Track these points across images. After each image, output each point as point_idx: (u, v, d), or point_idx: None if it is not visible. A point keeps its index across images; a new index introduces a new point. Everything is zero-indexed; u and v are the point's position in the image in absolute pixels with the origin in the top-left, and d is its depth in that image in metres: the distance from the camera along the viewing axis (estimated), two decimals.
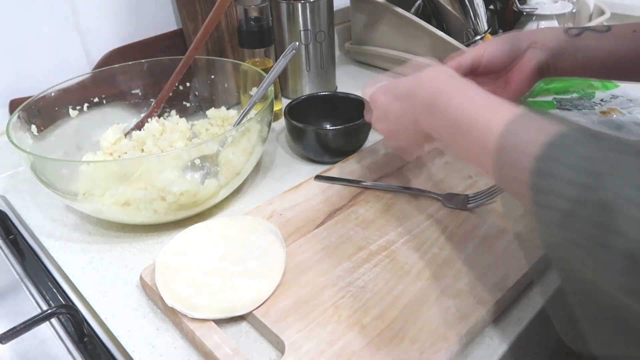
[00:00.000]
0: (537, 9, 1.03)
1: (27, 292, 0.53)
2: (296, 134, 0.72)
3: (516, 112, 0.38)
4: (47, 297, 0.52)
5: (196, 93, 0.80)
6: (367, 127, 0.72)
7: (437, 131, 0.46)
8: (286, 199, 0.61)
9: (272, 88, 0.67)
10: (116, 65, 0.75)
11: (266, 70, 0.72)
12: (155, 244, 0.59)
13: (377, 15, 0.99)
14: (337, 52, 1.11)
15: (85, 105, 0.72)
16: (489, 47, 0.59)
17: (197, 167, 0.59)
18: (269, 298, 0.47)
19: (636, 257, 0.27)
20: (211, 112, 0.75)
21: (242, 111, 0.65)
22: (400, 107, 0.51)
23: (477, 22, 0.94)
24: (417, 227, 0.56)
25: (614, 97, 0.85)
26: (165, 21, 0.87)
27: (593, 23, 1.06)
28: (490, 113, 0.40)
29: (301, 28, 0.86)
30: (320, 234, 0.56)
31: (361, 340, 0.43)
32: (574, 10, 1.10)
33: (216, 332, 0.44)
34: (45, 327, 0.48)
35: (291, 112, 0.72)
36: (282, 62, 0.66)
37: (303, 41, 0.87)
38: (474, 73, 0.60)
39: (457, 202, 0.59)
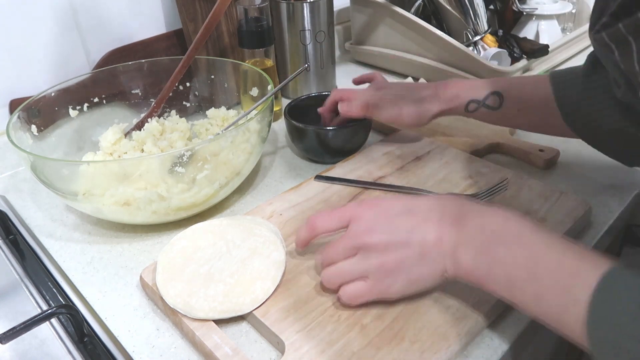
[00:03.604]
0: (537, 9, 1.03)
1: (27, 292, 0.53)
2: (296, 134, 0.72)
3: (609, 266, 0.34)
4: (47, 297, 0.51)
5: (196, 93, 0.80)
6: (367, 127, 0.72)
7: (482, 277, 0.40)
8: (286, 199, 0.61)
9: (272, 87, 0.67)
10: (116, 65, 0.75)
11: (266, 70, 0.72)
12: (155, 244, 0.59)
13: (377, 15, 0.99)
14: (337, 52, 1.11)
15: (85, 105, 0.72)
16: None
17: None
18: (269, 298, 0.47)
19: None
20: (211, 112, 0.75)
21: (239, 115, 0.64)
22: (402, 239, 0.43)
23: (477, 22, 0.94)
24: None
25: None
26: (165, 21, 0.87)
27: None
28: (577, 268, 0.35)
29: (301, 28, 0.86)
30: None
31: (361, 340, 0.43)
32: (573, 11, 1.10)
33: (216, 332, 0.44)
34: (45, 327, 0.48)
35: (291, 112, 0.72)
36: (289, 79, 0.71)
37: (303, 41, 0.87)
38: None
39: None
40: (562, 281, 0.35)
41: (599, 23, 0.34)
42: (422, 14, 0.98)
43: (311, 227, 0.48)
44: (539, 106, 0.59)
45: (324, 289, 0.48)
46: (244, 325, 0.47)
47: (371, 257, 0.44)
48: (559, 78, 0.58)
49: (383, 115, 0.66)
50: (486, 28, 0.95)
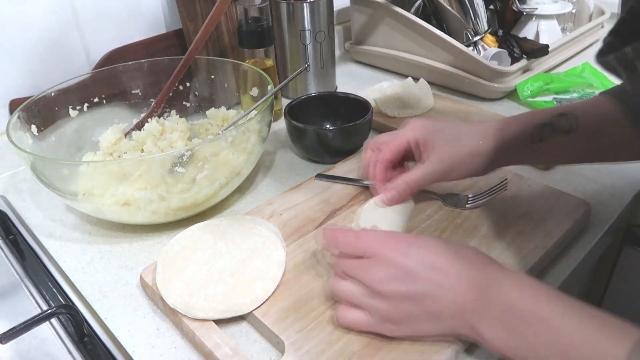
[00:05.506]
0: (537, 9, 1.03)
1: (27, 292, 0.53)
2: (296, 134, 0.72)
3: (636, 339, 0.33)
4: (47, 297, 0.51)
5: (196, 93, 0.80)
6: (367, 127, 0.72)
7: (508, 355, 0.38)
8: (286, 199, 0.61)
9: (272, 87, 0.67)
10: (116, 65, 0.75)
11: (266, 70, 0.72)
12: (155, 244, 0.59)
13: (377, 15, 0.99)
14: (337, 52, 1.11)
15: (85, 105, 0.72)
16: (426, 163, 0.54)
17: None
18: (269, 298, 0.47)
19: None
20: (211, 112, 0.75)
21: (238, 117, 0.65)
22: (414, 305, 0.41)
23: (477, 22, 0.94)
24: (417, 227, 0.56)
25: None
26: (165, 21, 0.87)
27: (593, 23, 1.06)
28: (604, 341, 0.34)
29: (301, 28, 0.86)
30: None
31: (361, 340, 0.43)
32: (573, 11, 1.10)
33: (216, 332, 0.44)
34: (45, 327, 0.48)
35: (291, 112, 0.72)
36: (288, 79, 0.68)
37: (303, 41, 0.87)
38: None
39: (457, 202, 0.59)
40: (590, 357, 0.34)
41: (605, 42, 0.33)
42: (422, 14, 0.98)
43: (333, 241, 0.45)
44: (613, 124, 0.51)
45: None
46: (244, 325, 0.47)
47: (380, 301, 0.42)
48: (618, 93, 0.52)
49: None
50: (486, 28, 0.95)
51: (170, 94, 0.74)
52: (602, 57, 0.32)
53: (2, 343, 0.42)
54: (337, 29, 1.11)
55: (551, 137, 0.51)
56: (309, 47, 0.87)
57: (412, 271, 0.41)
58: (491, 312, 0.39)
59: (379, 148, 0.59)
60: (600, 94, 0.54)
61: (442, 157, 0.53)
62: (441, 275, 0.41)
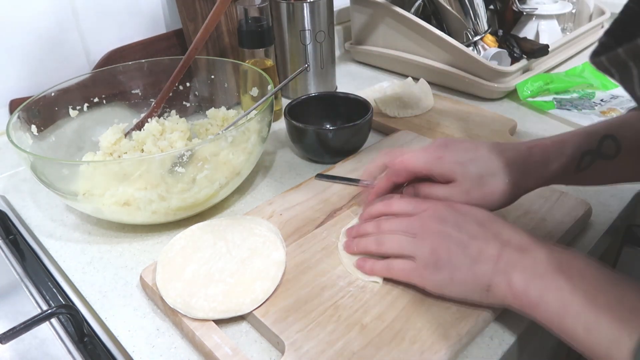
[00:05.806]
0: (537, 9, 1.03)
1: (27, 292, 0.53)
2: (296, 134, 0.72)
3: None
4: (47, 297, 0.51)
5: (196, 93, 0.80)
6: (367, 127, 0.72)
7: (532, 301, 0.40)
8: (286, 199, 0.61)
9: (272, 87, 0.67)
10: (116, 65, 0.75)
11: (266, 70, 0.72)
12: (155, 244, 0.59)
13: (377, 15, 0.99)
14: (337, 52, 1.11)
15: (85, 105, 0.72)
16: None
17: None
18: (269, 298, 0.47)
19: None
20: (211, 112, 0.75)
21: (237, 117, 0.65)
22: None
23: (477, 22, 0.94)
24: None
25: (614, 97, 0.85)
26: (165, 21, 0.87)
27: (593, 23, 1.06)
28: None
29: (301, 28, 0.86)
30: (320, 234, 0.56)
31: (361, 340, 0.43)
32: (573, 11, 1.10)
33: (216, 332, 0.44)
34: (45, 327, 0.48)
35: (291, 112, 0.72)
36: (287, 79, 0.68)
37: (303, 41, 0.87)
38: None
39: None
40: (620, 314, 0.35)
41: (599, 43, 0.33)
42: (422, 14, 0.98)
43: (387, 206, 0.51)
44: None
45: (356, 249, 0.51)
46: (244, 325, 0.47)
47: (427, 240, 0.46)
48: None
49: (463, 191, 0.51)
50: (486, 28, 0.95)
51: (170, 94, 0.74)
52: (596, 57, 0.33)
53: (2, 343, 0.42)
54: (337, 29, 1.11)
55: (595, 163, 0.49)
56: (309, 47, 0.87)
57: (458, 220, 0.46)
58: (530, 262, 0.41)
59: (394, 164, 0.53)
60: (631, 110, 0.52)
61: (462, 192, 0.49)
62: (484, 228, 0.45)
